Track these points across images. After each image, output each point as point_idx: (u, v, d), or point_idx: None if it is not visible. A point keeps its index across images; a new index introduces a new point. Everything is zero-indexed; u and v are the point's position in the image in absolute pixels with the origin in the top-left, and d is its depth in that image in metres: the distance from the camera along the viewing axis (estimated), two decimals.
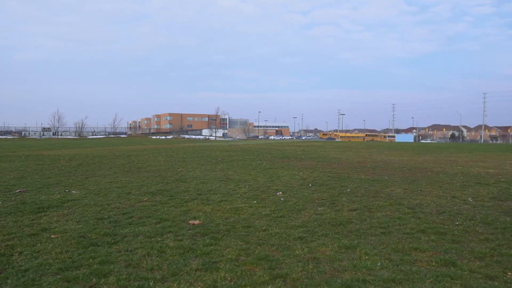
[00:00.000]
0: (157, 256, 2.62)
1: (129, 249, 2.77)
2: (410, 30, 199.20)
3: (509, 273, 2.35)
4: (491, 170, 9.05)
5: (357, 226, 3.48)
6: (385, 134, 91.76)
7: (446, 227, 3.48)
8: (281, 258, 2.61)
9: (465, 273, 2.35)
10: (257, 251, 2.75)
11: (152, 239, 3.02)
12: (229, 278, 2.26)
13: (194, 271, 2.35)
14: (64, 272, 2.31)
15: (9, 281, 2.18)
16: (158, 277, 2.26)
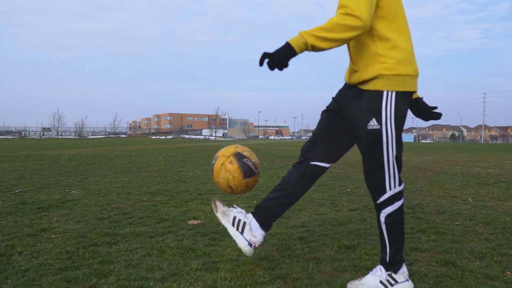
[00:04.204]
0: (157, 256, 2.62)
1: (129, 249, 2.77)
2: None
3: (509, 273, 2.35)
4: (491, 170, 9.05)
5: (357, 226, 3.48)
6: None
7: (446, 227, 3.47)
8: (281, 258, 2.61)
9: (465, 273, 2.35)
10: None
11: (152, 239, 3.02)
12: (229, 278, 2.26)
13: (194, 271, 2.35)
14: (64, 272, 2.31)
15: (9, 281, 2.18)
16: (158, 277, 2.26)
